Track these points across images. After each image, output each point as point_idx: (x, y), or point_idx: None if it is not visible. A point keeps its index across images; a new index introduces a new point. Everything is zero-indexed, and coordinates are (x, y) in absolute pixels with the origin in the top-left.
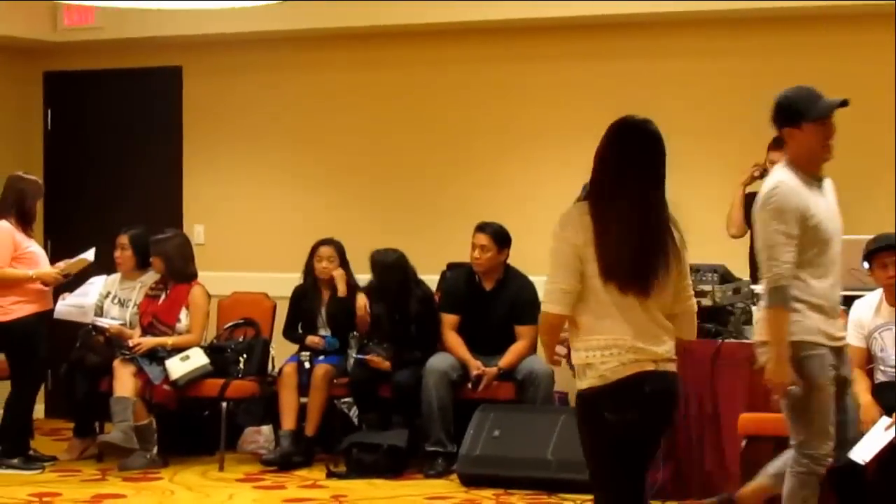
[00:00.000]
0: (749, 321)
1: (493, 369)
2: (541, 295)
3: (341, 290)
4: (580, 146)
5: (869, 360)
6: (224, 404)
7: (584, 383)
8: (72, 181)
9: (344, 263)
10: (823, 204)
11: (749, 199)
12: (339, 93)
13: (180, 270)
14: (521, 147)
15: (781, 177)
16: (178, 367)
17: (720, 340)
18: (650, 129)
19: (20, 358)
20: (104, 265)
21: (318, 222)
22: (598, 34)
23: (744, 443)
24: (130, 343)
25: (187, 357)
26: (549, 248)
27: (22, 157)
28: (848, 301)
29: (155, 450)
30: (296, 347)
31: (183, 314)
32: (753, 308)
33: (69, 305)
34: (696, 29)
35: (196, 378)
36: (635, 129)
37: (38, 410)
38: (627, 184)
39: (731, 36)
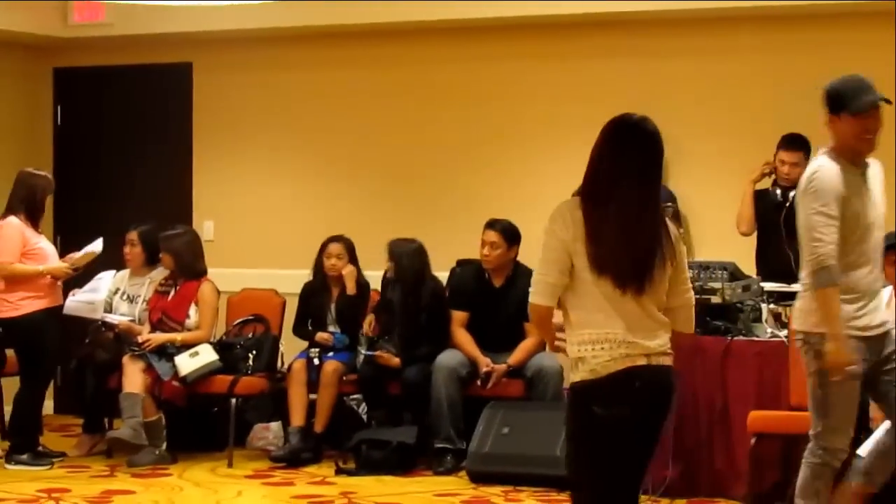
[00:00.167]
0: (758, 319)
1: (503, 366)
2: None
3: (350, 287)
4: (591, 143)
5: None
6: (233, 401)
7: (576, 376)
8: (81, 177)
9: (353, 261)
10: (864, 191)
11: (758, 196)
12: (350, 90)
13: (190, 267)
14: (532, 144)
15: (821, 161)
16: (187, 364)
17: (729, 338)
18: (646, 127)
19: (29, 354)
20: (113, 261)
21: (327, 219)
22: (610, 31)
23: (753, 440)
24: (139, 339)
25: (196, 353)
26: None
27: (31, 153)
28: None
29: (164, 446)
30: (305, 344)
31: (192, 311)
32: (763, 306)
33: (79, 301)
34: (705, 27)
35: (205, 374)
36: (631, 127)
37: (48, 406)
38: (621, 182)
39: (738, 34)
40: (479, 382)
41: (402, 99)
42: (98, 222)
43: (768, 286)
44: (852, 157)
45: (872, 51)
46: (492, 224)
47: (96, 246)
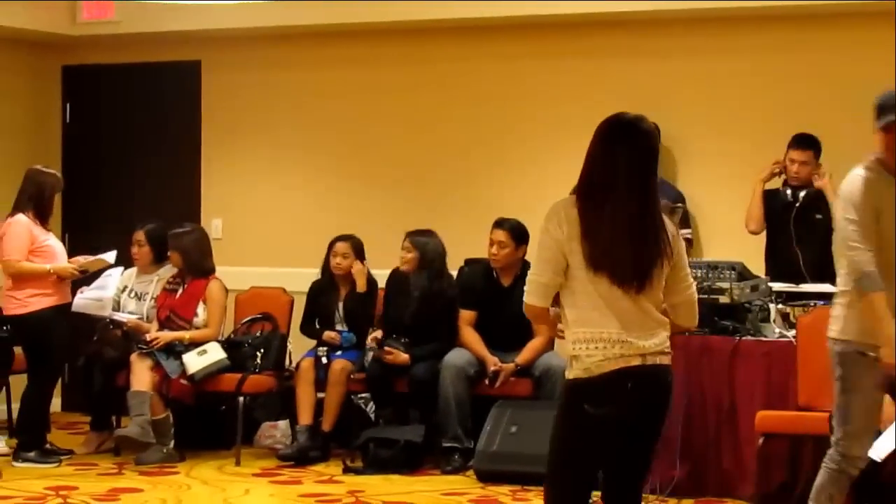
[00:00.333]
0: (767, 319)
1: (511, 365)
2: None
3: (361, 284)
4: None
5: None
6: (241, 399)
7: (570, 374)
8: (90, 175)
9: (361, 260)
10: None
11: (769, 196)
12: (359, 89)
13: (198, 265)
14: (541, 143)
15: (860, 170)
16: (195, 362)
17: (738, 338)
18: (640, 125)
19: (37, 351)
20: (121, 259)
21: (336, 218)
22: (621, 31)
23: (761, 440)
24: (148, 337)
25: (204, 351)
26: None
27: (40, 151)
28: None
29: (171, 444)
30: (313, 342)
31: (200, 309)
32: (771, 306)
33: (87, 299)
34: (714, 27)
35: (213, 373)
36: (625, 126)
37: (55, 404)
38: (615, 180)
39: (739, 34)
40: (486, 381)
41: (412, 98)
42: (106, 220)
43: (777, 286)
44: (893, 168)
45: (872, 51)
46: (500, 223)
47: (109, 257)
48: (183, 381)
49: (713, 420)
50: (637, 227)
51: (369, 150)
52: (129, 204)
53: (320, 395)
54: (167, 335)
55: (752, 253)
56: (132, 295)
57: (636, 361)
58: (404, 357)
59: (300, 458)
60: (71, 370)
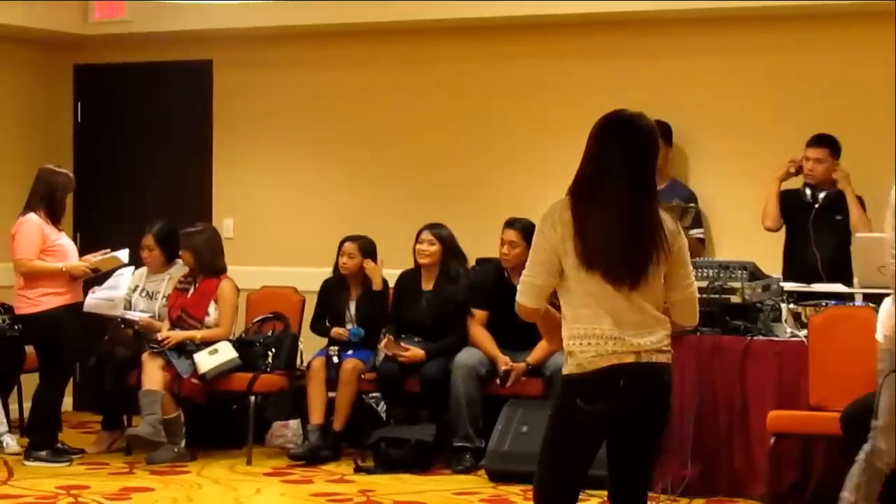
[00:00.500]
0: (778, 318)
1: (522, 365)
2: None
3: (377, 283)
4: None
5: None
6: (252, 398)
7: (566, 369)
8: (101, 175)
9: (373, 259)
10: None
11: (788, 195)
12: (370, 88)
13: (209, 264)
14: (551, 143)
15: None
16: (206, 361)
17: (749, 338)
18: (636, 122)
19: (48, 350)
20: (132, 258)
21: (347, 217)
22: (631, 31)
23: (772, 440)
24: (159, 336)
25: (216, 351)
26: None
27: (52, 150)
28: (877, 299)
29: (183, 443)
30: (324, 342)
31: (212, 308)
32: (783, 305)
33: (99, 298)
34: (715, 26)
35: (224, 372)
36: (620, 123)
37: (67, 403)
38: (609, 178)
39: (740, 34)
40: (497, 381)
41: (423, 97)
42: (118, 220)
43: (788, 286)
44: None
45: (873, 51)
46: (511, 223)
47: (122, 255)
48: (194, 381)
49: (724, 420)
50: (629, 223)
51: (380, 150)
52: (140, 203)
53: (331, 394)
54: (178, 334)
55: (764, 252)
56: (143, 294)
57: (630, 359)
58: (420, 353)
59: (311, 457)
60: (82, 369)
